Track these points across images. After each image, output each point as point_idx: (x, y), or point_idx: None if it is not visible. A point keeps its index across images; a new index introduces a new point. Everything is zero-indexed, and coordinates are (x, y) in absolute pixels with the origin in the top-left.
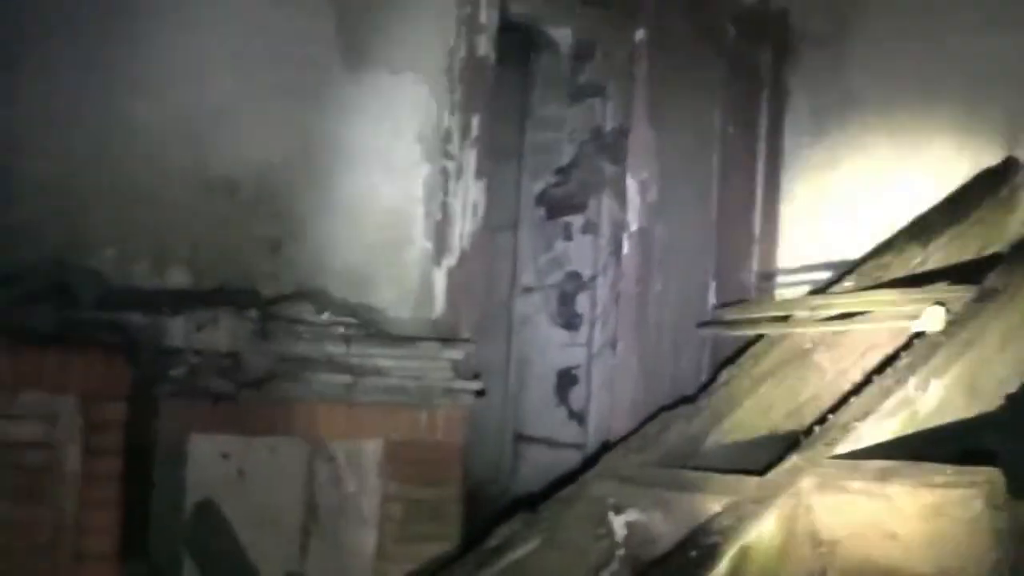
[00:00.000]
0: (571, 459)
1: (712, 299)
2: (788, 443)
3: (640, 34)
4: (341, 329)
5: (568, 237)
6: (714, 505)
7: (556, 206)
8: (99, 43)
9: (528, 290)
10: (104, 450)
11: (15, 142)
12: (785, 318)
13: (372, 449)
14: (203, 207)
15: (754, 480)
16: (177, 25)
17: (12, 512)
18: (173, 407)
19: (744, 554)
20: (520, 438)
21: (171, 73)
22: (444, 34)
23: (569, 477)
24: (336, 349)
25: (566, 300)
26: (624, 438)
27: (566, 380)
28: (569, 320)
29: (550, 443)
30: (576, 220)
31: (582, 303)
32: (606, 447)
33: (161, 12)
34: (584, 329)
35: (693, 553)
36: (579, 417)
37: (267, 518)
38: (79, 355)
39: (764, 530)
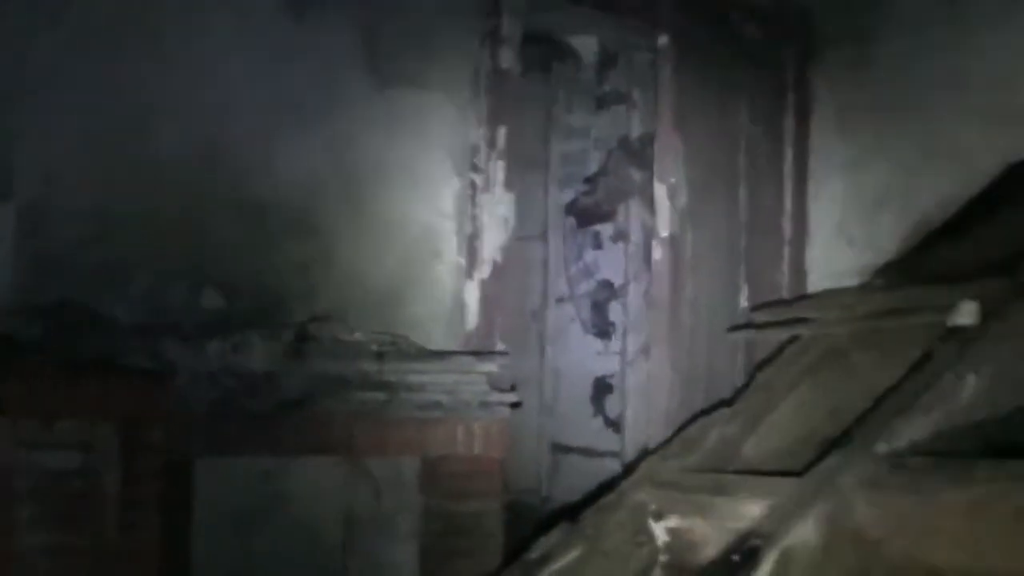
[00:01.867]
0: (609, 467)
1: (744, 302)
2: (827, 443)
3: (662, 40)
4: (374, 347)
5: (598, 246)
6: (755, 508)
7: (585, 215)
8: (126, 69)
9: (561, 300)
10: (143, 475)
11: (46, 172)
12: (818, 318)
13: (410, 465)
14: (235, 229)
15: (794, 481)
16: (203, 48)
17: (53, 539)
18: (210, 430)
19: (787, 556)
20: (557, 448)
21: (198, 97)
22: (468, 47)
23: (608, 485)
24: (370, 367)
25: (599, 309)
26: (662, 444)
27: (601, 389)
28: (602, 329)
29: (587, 452)
30: (606, 228)
31: (615, 311)
32: (645, 454)
33: (187, 36)
34: (617, 337)
35: (735, 557)
36: (615, 425)
37: (306, 537)
38: (116, 381)
39: (806, 531)
